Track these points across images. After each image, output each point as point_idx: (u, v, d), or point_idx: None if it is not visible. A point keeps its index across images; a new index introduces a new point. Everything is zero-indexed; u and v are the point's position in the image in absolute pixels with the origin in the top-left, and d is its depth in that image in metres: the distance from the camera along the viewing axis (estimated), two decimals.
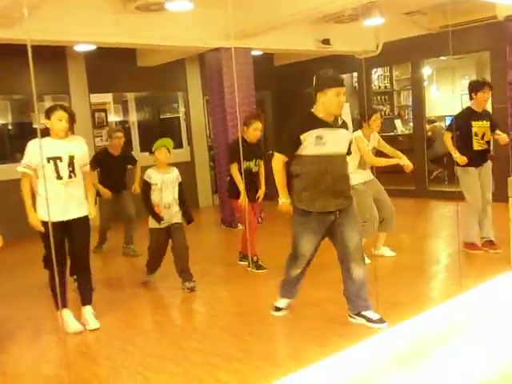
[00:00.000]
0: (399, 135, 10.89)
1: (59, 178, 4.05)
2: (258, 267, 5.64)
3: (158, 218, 5.04)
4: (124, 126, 10.74)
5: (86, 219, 4.27)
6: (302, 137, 3.74)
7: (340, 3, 6.37)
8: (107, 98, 10.42)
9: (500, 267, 4.95)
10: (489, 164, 5.66)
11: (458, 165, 5.47)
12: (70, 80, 8.99)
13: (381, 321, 3.88)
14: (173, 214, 5.14)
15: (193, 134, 10.53)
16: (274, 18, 6.96)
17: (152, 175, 5.07)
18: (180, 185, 5.19)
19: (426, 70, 11.08)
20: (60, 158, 4.05)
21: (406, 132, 10.96)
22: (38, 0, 5.38)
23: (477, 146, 5.52)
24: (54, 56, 8.22)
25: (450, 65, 11.63)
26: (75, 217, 4.17)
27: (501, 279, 4.60)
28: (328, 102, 3.73)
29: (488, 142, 5.66)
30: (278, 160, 3.90)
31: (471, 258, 5.51)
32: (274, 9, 6.87)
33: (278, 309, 4.30)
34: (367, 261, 5.20)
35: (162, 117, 11.71)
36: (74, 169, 4.12)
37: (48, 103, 9.51)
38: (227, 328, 4.16)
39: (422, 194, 9.47)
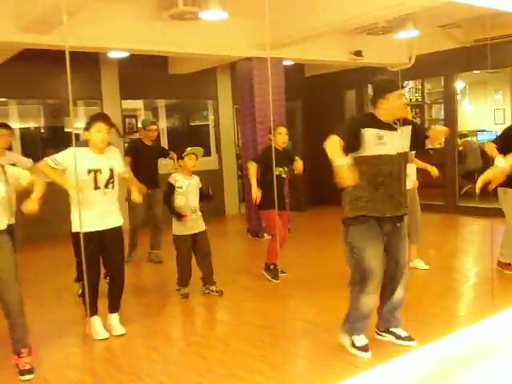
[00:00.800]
0: (430, 149, 10.73)
1: (97, 188, 4.09)
2: (276, 276, 5.63)
3: (180, 216, 5.09)
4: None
5: (120, 229, 4.30)
6: (362, 130, 3.53)
7: (374, 15, 6.31)
8: (138, 104, 10.51)
9: None
10: None
11: (500, 185, 5.34)
12: (102, 86, 9.10)
13: (409, 338, 3.79)
14: (198, 221, 5.20)
15: (221, 142, 10.55)
16: (306, 29, 6.93)
17: (178, 178, 5.18)
18: (201, 188, 5.30)
19: (459, 84, 10.93)
20: (100, 171, 4.10)
21: (437, 146, 10.80)
22: (75, 7, 5.46)
23: None
24: (87, 62, 8.33)
25: (483, 79, 11.47)
26: (111, 227, 4.21)
27: None
28: (391, 107, 3.59)
29: None
30: (334, 139, 3.44)
31: (503, 278, 5.38)
32: (306, 19, 6.85)
33: (361, 348, 3.71)
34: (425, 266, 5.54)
35: (191, 124, 11.78)
36: (114, 181, 4.19)
37: (81, 108, 9.68)
38: (251, 340, 4.12)
39: (451, 210, 9.31)
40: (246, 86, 8.19)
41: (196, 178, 5.32)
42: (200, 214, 5.25)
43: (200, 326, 4.87)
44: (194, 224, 5.18)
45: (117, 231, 4.26)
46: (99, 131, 4.08)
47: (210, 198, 5.38)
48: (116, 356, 4.02)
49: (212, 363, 3.72)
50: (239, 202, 10.56)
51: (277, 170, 5.53)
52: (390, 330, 3.88)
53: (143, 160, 6.55)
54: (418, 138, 3.79)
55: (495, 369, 3.44)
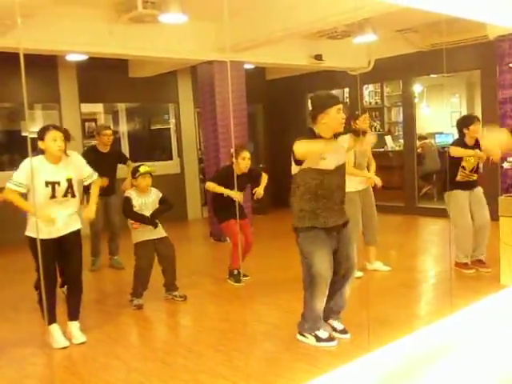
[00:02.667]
0: (389, 151, 10.92)
1: (53, 197, 4.00)
2: (238, 280, 5.67)
3: (149, 221, 5.04)
4: (114, 137, 10.67)
5: (77, 234, 4.22)
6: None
7: (333, 20, 6.38)
8: (98, 108, 10.38)
9: (490, 286, 4.93)
10: (479, 189, 5.68)
11: (445, 190, 5.63)
12: (60, 89, 8.94)
13: (344, 332, 4.04)
14: (155, 230, 5.12)
15: (183, 145, 10.49)
16: (267, 33, 6.97)
17: (133, 196, 5.08)
18: (162, 197, 5.21)
19: (417, 87, 11.15)
20: (58, 183, 4.01)
21: (396, 148, 11.00)
22: (31, 9, 5.35)
23: (460, 177, 5.57)
24: (45, 65, 8.19)
25: (440, 83, 11.73)
26: (68, 232, 4.12)
27: (491, 299, 4.57)
28: (331, 121, 3.76)
29: (477, 172, 5.65)
30: (300, 144, 3.77)
31: (461, 277, 5.50)
32: (267, 23, 6.89)
33: (327, 339, 3.91)
34: (359, 274, 5.32)
35: (152, 128, 11.68)
36: (72, 190, 4.10)
37: (38, 112, 9.49)
38: (214, 344, 4.11)
39: (411, 211, 9.48)
40: (207, 89, 8.17)
41: (153, 192, 5.19)
42: (159, 224, 5.16)
43: (162, 331, 4.82)
44: (153, 231, 5.11)
45: (74, 235, 4.17)
46: (54, 139, 3.97)
47: (170, 207, 5.29)
48: (76, 365, 3.94)
49: (175, 369, 3.68)
50: (201, 205, 10.51)
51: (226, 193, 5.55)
52: (329, 321, 4.09)
53: (98, 167, 6.37)
54: None
55: (454, 367, 3.51)
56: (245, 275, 5.81)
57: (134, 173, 5.10)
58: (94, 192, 4.43)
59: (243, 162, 5.60)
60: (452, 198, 5.60)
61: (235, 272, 5.74)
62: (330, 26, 7.20)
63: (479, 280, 5.33)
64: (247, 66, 8.67)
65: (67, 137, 4.16)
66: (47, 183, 3.95)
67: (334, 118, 3.75)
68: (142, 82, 9.52)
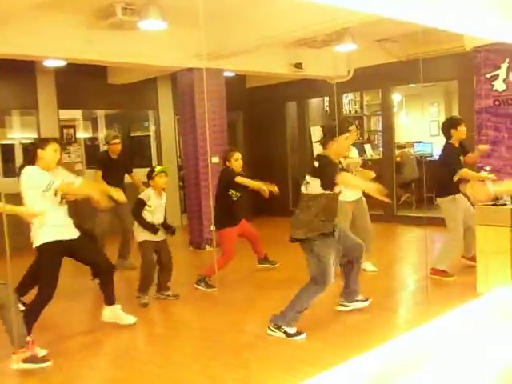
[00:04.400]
0: (368, 160, 10.98)
1: (61, 203, 4.24)
2: (210, 286, 5.77)
3: (155, 230, 5.26)
4: (93, 143, 10.61)
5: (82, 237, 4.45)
6: None
7: (312, 29, 6.42)
8: (76, 114, 10.28)
9: (466, 294, 4.96)
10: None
11: (440, 195, 5.72)
12: (38, 95, 8.85)
13: (365, 299, 4.80)
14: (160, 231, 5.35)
15: (163, 153, 10.44)
16: (247, 41, 6.98)
17: (151, 197, 5.27)
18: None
19: (396, 97, 11.26)
20: (58, 189, 4.20)
21: (376, 157, 11.07)
22: (8, 14, 5.30)
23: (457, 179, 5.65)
24: (23, 70, 8.10)
25: (419, 92, 11.86)
26: (76, 236, 4.35)
27: (467, 306, 4.60)
28: (340, 147, 4.31)
29: None
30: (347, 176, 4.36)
31: (438, 285, 5.54)
32: (247, 31, 6.90)
33: (296, 334, 4.24)
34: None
35: (132, 135, 11.59)
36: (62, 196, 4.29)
37: (16, 117, 9.38)
38: (191, 353, 4.08)
39: (389, 219, 9.52)
40: (187, 96, 8.14)
41: (164, 196, 5.44)
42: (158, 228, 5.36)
43: (139, 340, 4.75)
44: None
45: (82, 238, 4.41)
46: (55, 150, 4.20)
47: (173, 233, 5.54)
48: (50, 375, 3.86)
49: (150, 378, 3.64)
50: (181, 213, 10.46)
51: (232, 192, 5.87)
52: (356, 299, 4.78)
53: (110, 173, 6.54)
54: None
55: (431, 375, 3.52)
56: (273, 262, 6.46)
57: (151, 173, 5.32)
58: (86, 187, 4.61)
59: (237, 163, 5.89)
60: (451, 203, 5.63)
61: (206, 279, 5.82)
62: (310, 35, 7.25)
63: (456, 288, 5.37)
64: (228, 74, 8.67)
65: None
66: (50, 188, 4.15)
67: (342, 143, 4.32)
68: (121, 89, 9.47)
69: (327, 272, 4.22)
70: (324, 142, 4.38)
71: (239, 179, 5.81)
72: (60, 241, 4.19)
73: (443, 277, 5.65)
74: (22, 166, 4.36)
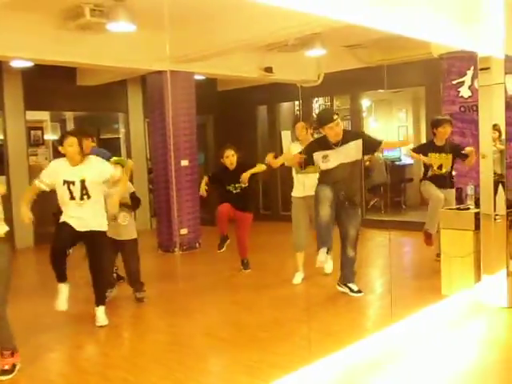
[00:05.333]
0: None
1: (72, 198, 4.49)
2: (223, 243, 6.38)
3: None
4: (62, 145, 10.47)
5: (100, 234, 4.66)
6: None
7: (283, 33, 6.45)
8: (44, 115, 10.12)
9: (431, 297, 5.04)
10: (452, 191, 5.98)
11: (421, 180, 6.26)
12: (4, 96, 8.70)
13: (359, 291, 5.33)
14: (118, 228, 5.26)
15: (132, 155, 10.35)
16: (217, 44, 6.97)
17: None
18: (133, 192, 5.64)
19: (366, 102, 11.38)
20: (73, 183, 4.48)
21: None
22: None
23: (431, 173, 6.13)
24: None
25: (388, 98, 12.00)
26: (89, 229, 4.56)
27: (432, 309, 4.69)
28: (327, 134, 5.11)
29: (448, 173, 6.18)
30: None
31: (403, 287, 5.61)
32: (217, 35, 6.89)
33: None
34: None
35: (101, 137, 11.47)
36: (87, 191, 4.51)
37: None
38: (157, 357, 4.05)
39: None
40: (157, 99, 8.11)
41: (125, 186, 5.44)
42: (125, 222, 5.33)
43: (104, 344, 4.68)
44: (116, 231, 5.22)
45: (98, 235, 4.62)
46: (70, 145, 4.46)
47: (138, 204, 5.72)
48: (11, 380, 3.80)
49: (115, 383, 3.60)
50: (150, 216, 10.39)
51: (227, 187, 6.32)
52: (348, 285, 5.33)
53: None
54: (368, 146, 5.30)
55: (395, 376, 3.58)
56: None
57: None
58: (122, 181, 4.84)
59: (227, 160, 6.32)
60: (422, 185, 6.25)
61: (245, 261, 6.49)
62: (280, 40, 7.28)
63: (421, 290, 5.45)
64: (198, 77, 8.66)
65: (87, 136, 5.04)
66: (64, 182, 4.46)
67: (327, 132, 5.12)
68: (90, 91, 9.36)
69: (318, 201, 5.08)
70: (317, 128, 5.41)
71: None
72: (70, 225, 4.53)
73: (428, 244, 6.13)
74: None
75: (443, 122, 6.17)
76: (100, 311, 4.80)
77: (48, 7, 6.19)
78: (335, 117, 5.12)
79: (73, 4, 6.00)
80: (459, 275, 5.12)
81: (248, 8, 6.29)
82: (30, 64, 7.67)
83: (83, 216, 4.55)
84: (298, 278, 5.87)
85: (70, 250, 5.01)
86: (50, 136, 10.32)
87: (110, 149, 10.88)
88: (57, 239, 4.60)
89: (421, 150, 6.32)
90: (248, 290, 5.84)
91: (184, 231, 8.02)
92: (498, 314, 4.74)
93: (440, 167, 6.09)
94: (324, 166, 5.16)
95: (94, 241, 4.65)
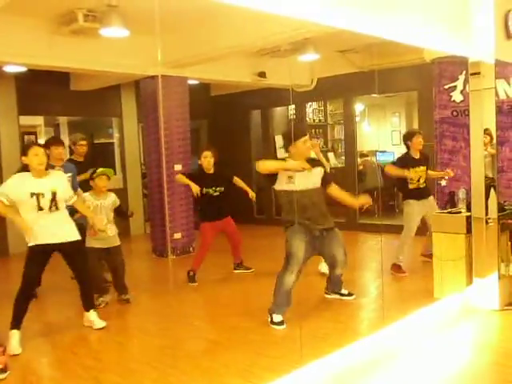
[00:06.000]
0: (332, 168, 11.10)
1: (40, 209, 4.35)
2: (193, 280, 6.24)
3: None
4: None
5: (77, 242, 4.62)
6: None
7: (276, 39, 6.49)
8: (38, 120, 10.14)
9: (424, 299, 5.07)
10: (432, 198, 6.34)
11: (403, 199, 6.28)
12: None
13: (350, 294, 5.35)
14: (109, 238, 5.38)
15: (126, 160, 10.38)
16: (210, 49, 7.01)
17: (88, 198, 5.37)
18: (119, 207, 5.64)
19: (359, 106, 11.44)
20: (42, 195, 4.34)
21: (339, 165, 11.20)
22: None
23: (412, 186, 6.19)
24: None
25: (382, 102, 12.07)
26: (65, 241, 4.49)
27: (424, 312, 4.71)
28: (299, 150, 4.70)
29: (425, 183, 6.31)
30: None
31: (396, 291, 5.64)
32: (210, 40, 6.93)
33: (279, 323, 4.62)
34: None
35: (95, 142, 11.46)
36: (56, 203, 4.42)
37: None
38: (150, 361, 4.05)
39: (351, 227, 9.63)
40: (150, 104, 8.12)
41: (110, 197, 5.53)
42: (115, 233, 5.48)
43: (97, 349, 4.66)
44: (102, 240, 5.37)
45: (75, 244, 4.58)
46: (36, 154, 4.31)
47: (126, 217, 5.87)
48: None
49: None
50: (144, 221, 10.39)
51: (206, 190, 6.24)
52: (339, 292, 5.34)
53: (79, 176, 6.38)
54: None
55: (387, 377, 3.60)
56: (248, 268, 6.71)
57: (91, 174, 5.46)
58: (83, 209, 4.93)
59: (204, 160, 6.28)
60: (406, 206, 6.22)
61: (191, 273, 6.24)
62: (272, 45, 7.32)
63: (413, 293, 5.47)
64: (192, 82, 8.69)
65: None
66: (32, 194, 4.29)
67: (300, 148, 4.71)
68: (84, 96, 9.38)
69: (290, 256, 4.61)
70: (285, 147, 4.87)
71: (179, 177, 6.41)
72: (43, 244, 4.38)
73: (397, 272, 6.14)
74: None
75: (416, 133, 6.35)
76: (93, 315, 4.84)
77: (41, 12, 6.21)
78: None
79: (66, 9, 6.03)
80: (451, 278, 5.15)
81: (240, 13, 6.32)
82: (23, 69, 7.67)
83: (53, 224, 4.45)
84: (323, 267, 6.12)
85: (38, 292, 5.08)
86: (44, 141, 10.31)
87: (103, 154, 10.98)
88: (33, 268, 4.42)
89: (402, 164, 6.23)
90: (240, 293, 5.86)
91: (178, 236, 8.04)
92: (490, 317, 4.77)
93: (418, 179, 6.20)
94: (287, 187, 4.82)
95: (72, 252, 4.60)
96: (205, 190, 6.24)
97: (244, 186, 6.55)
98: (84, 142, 6.83)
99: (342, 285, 5.39)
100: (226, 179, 6.46)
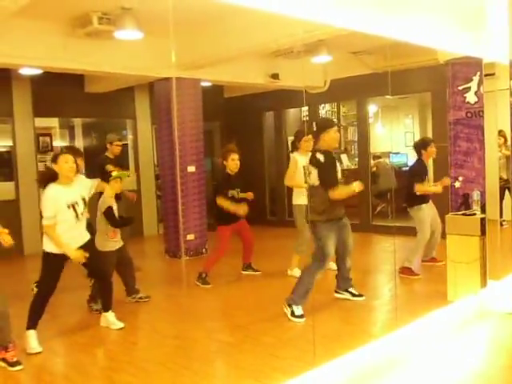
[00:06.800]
0: (345, 170, 11.06)
1: (77, 218, 4.46)
2: (205, 282, 6.18)
3: (130, 221, 5.67)
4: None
5: (90, 242, 4.74)
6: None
7: (288, 40, 6.49)
8: (53, 122, 10.24)
9: (437, 302, 5.04)
10: (430, 202, 6.34)
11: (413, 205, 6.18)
12: (14, 103, 8.80)
13: (360, 295, 5.38)
14: (118, 238, 5.46)
15: (140, 161, 10.44)
16: (223, 51, 7.03)
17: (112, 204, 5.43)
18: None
19: (372, 108, 11.40)
20: (77, 203, 4.44)
21: (352, 167, 11.17)
22: None
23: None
24: None
25: (395, 104, 12.02)
26: (82, 243, 4.57)
27: (437, 314, 4.68)
28: (330, 139, 4.94)
29: None
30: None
31: (409, 293, 5.61)
32: (223, 41, 6.95)
33: (300, 316, 4.73)
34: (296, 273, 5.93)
35: None
36: (85, 208, 4.58)
37: None
38: (163, 361, 4.07)
39: (365, 229, 9.62)
40: (164, 106, 8.17)
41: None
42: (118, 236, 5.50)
43: (111, 349, 4.70)
44: (116, 241, 5.44)
45: (90, 243, 4.68)
46: (66, 161, 4.37)
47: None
48: (21, 381, 3.84)
49: None
50: (158, 222, 10.45)
51: (231, 192, 6.21)
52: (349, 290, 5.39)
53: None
54: None
55: (399, 380, 3.58)
56: (256, 270, 6.71)
57: (108, 177, 5.49)
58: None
59: (232, 163, 6.23)
60: (418, 211, 6.18)
61: (203, 275, 6.20)
62: (285, 46, 7.32)
63: (427, 296, 5.45)
64: (205, 84, 8.71)
65: (79, 155, 5.09)
66: (68, 206, 4.38)
67: (332, 136, 4.95)
68: (98, 97, 9.46)
69: (324, 252, 4.79)
70: (316, 136, 5.04)
71: (219, 200, 6.16)
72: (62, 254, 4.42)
73: (409, 275, 6.08)
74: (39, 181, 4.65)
75: (431, 142, 6.38)
76: (112, 316, 4.90)
77: (56, 15, 6.28)
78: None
79: (81, 12, 6.09)
80: (465, 281, 5.11)
81: (253, 15, 6.34)
82: (38, 71, 7.76)
83: (81, 231, 4.58)
84: (295, 271, 6.16)
85: None
86: (59, 142, 10.43)
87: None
88: (52, 275, 4.44)
89: (423, 177, 6.25)
90: (252, 294, 5.87)
91: (191, 237, 8.07)
92: (504, 320, 4.73)
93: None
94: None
95: (88, 251, 4.57)
96: (230, 192, 6.22)
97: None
98: (120, 143, 7.12)
99: (352, 282, 5.44)
100: (244, 180, 6.46)
